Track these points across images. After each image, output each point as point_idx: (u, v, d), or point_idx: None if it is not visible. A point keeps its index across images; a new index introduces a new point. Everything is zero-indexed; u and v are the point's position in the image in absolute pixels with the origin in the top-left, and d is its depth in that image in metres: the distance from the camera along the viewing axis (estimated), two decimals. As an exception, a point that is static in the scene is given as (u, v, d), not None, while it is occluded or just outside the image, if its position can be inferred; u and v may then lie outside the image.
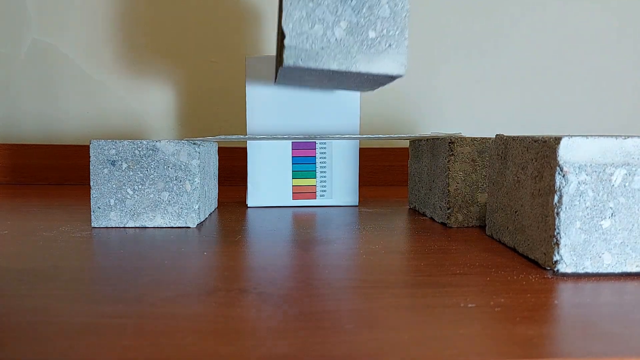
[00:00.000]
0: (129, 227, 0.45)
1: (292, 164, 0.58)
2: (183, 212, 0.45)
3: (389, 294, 0.28)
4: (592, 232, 0.31)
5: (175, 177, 0.45)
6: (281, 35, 0.38)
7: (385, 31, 0.39)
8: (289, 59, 0.38)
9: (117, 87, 0.84)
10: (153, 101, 0.84)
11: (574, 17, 0.85)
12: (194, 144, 0.45)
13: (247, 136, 0.50)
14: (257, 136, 0.49)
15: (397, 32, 0.39)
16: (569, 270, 0.31)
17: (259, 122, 0.57)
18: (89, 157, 0.44)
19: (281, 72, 0.39)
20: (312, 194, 0.59)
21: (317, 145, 0.58)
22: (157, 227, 0.45)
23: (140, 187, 0.45)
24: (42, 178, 0.83)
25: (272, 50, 0.83)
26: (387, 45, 0.39)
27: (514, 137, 0.37)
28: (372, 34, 0.38)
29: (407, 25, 0.39)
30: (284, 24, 0.38)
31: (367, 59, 0.39)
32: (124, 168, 0.44)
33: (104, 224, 0.45)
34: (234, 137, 0.48)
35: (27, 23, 0.82)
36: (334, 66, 0.38)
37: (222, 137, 0.47)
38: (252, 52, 0.83)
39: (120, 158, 0.44)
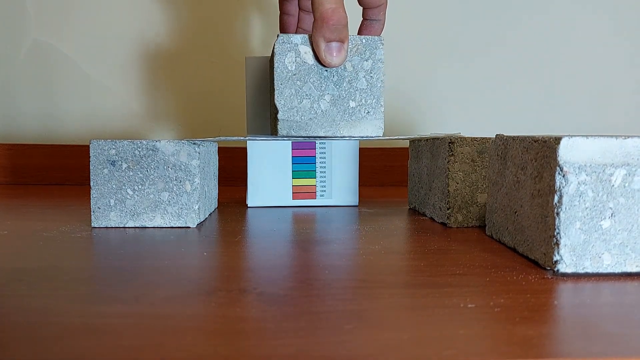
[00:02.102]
0: (128, 227, 0.45)
1: (292, 163, 0.58)
2: (183, 212, 0.45)
3: (389, 294, 0.28)
4: (592, 233, 0.31)
5: (175, 177, 0.45)
6: (275, 109, 0.44)
7: (363, 100, 0.45)
8: (282, 130, 0.44)
9: (117, 87, 0.83)
10: (153, 101, 0.84)
11: (573, 17, 0.85)
12: (194, 144, 0.45)
13: (247, 137, 0.51)
14: (256, 137, 0.50)
15: (373, 101, 0.45)
16: (568, 270, 0.31)
17: (259, 122, 0.57)
18: (89, 157, 0.44)
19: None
20: (312, 194, 0.59)
21: (317, 145, 0.58)
22: (157, 227, 0.45)
23: (140, 187, 0.45)
24: (42, 178, 0.83)
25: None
26: (365, 112, 0.45)
27: (513, 137, 0.37)
28: (352, 104, 0.44)
29: (382, 94, 0.45)
30: (276, 101, 0.44)
31: (349, 125, 0.45)
32: (123, 168, 0.44)
33: (103, 224, 0.45)
34: (234, 138, 0.48)
35: (27, 23, 0.82)
36: (322, 133, 0.44)
37: (222, 137, 0.47)
38: (252, 52, 0.83)
39: (120, 158, 0.44)
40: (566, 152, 0.31)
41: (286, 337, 0.22)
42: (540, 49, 0.85)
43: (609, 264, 0.31)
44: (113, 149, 0.44)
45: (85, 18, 0.82)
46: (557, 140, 0.31)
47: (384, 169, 0.84)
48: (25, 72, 0.83)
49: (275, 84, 0.44)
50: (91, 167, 0.44)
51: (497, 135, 0.40)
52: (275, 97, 0.44)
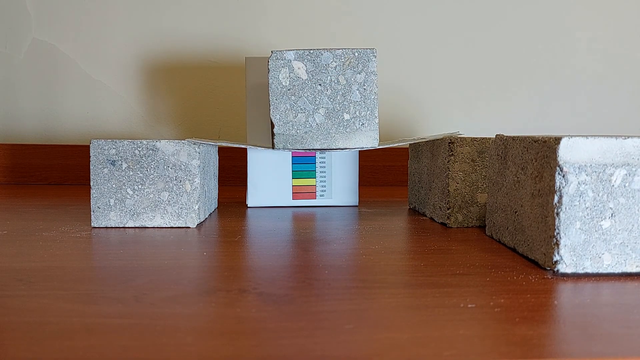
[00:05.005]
0: (128, 227, 0.45)
1: (292, 163, 0.58)
2: (183, 212, 0.45)
3: (389, 294, 0.28)
4: (592, 233, 0.31)
5: (175, 177, 0.45)
6: (271, 124, 0.46)
7: (357, 113, 0.45)
8: (278, 144, 0.46)
9: (117, 87, 0.83)
10: (153, 101, 0.84)
11: (574, 18, 0.85)
12: (194, 143, 0.45)
13: (247, 145, 0.51)
14: (256, 146, 0.51)
15: (368, 113, 0.46)
16: (568, 270, 0.31)
17: (260, 122, 0.57)
18: (89, 157, 0.44)
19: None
20: (312, 194, 0.59)
21: (317, 146, 0.58)
22: (157, 227, 0.45)
23: (140, 187, 0.45)
24: (42, 178, 0.83)
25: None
26: (360, 124, 0.46)
27: (514, 137, 0.37)
28: (346, 116, 0.45)
29: (376, 105, 0.46)
30: (272, 116, 0.45)
31: (344, 137, 0.46)
32: (124, 168, 0.44)
33: (103, 224, 0.45)
34: (235, 144, 0.49)
35: (27, 23, 0.82)
36: (317, 146, 0.46)
37: (224, 143, 0.47)
38: (252, 52, 0.83)
39: (120, 158, 0.44)
40: (566, 152, 0.31)
41: (286, 337, 0.22)
42: (541, 49, 0.85)
43: (609, 264, 0.31)
44: (113, 148, 0.44)
45: (85, 18, 0.82)
46: (557, 140, 0.31)
47: (384, 169, 0.84)
48: (25, 72, 0.83)
49: (270, 99, 0.45)
50: (91, 167, 0.44)
51: (497, 135, 0.40)
52: (271, 111, 0.45)
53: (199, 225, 0.46)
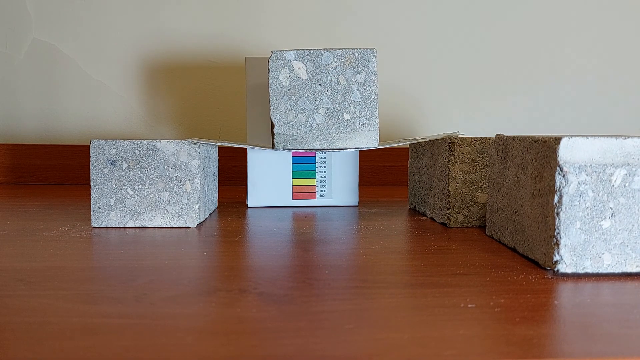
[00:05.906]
0: (129, 227, 0.45)
1: (292, 163, 0.58)
2: (183, 212, 0.45)
3: (389, 294, 0.28)
4: (592, 233, 0.31)
5: (176, 177, 0.45)
6: (271, 124, 0.46)
7: (357, 113, 0.46)
8: (278, 144, 0.46)
9: (117, 87, 0.83)
10: (153, 101, 0.84)
11: (574, 18, 0.85)
12: (194, 144, 0.45)
13: (247, 145, 0.51)
14: (256, 146, 0.51)
15: (368, 113, 0.46)
16: (569, 270, 0.31)
17: (260, 122, 0.57)
18: (89, 157, 0.44)
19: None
20: (312, 194, 0.59)
21: (317, 145, 0.58)
22: (157, 227, 0.45)
23: (140, 187, 0.45)
24: (42, 178, 0.83)
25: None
26: (360, 124, 0.46)
27: (514, 137, 0.37)
28: (347, 117, 0.46)
29: (376, 106, 0.46)
30: (272, 116, 0.45)
31: (344, 137, 0.46)
32: (124, 168, 0.44)
33: (104, 224, 0.45)
34: (235, 144, 0.49)
35: (27, 23, 0.82)
36: (317, 146, 0.46)
37: (224, 143, 0.47)
38: (252, 52, 0.83)
39: (120, 158, 0.44)
40: (566, 152, 0.31)
41: (286, 337, 0.22)
42: (541, 49, 0.85)
43: (609, 264, 0.31)
44: (113, 148, 0.44)
45: (85, 18, 0.82)
46: (557, 140, 0.31)
47: (384, 169, 0.84)
48: (25, 72, 0.83)
49: (270, 99, 0.45)
50: (91, 167, 0.44)
51: (497, 135, 0.40)
52: (271, 112, 0.45)
53: (199, 225, 0.47)
